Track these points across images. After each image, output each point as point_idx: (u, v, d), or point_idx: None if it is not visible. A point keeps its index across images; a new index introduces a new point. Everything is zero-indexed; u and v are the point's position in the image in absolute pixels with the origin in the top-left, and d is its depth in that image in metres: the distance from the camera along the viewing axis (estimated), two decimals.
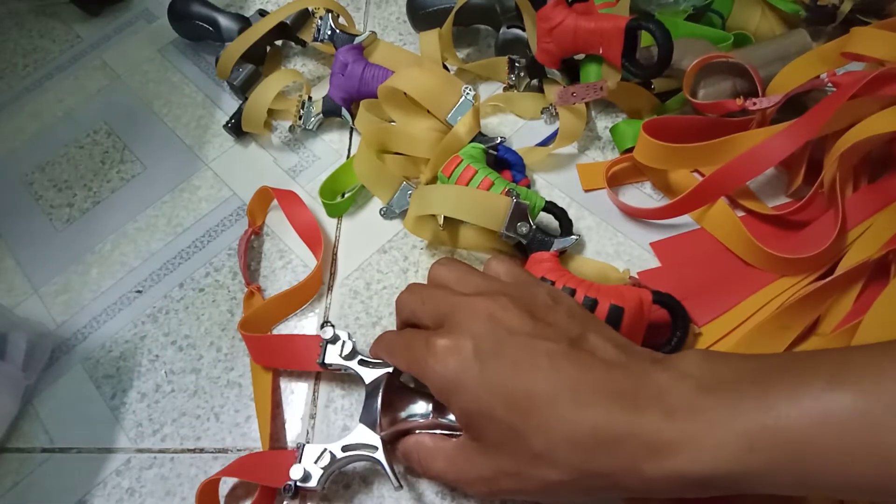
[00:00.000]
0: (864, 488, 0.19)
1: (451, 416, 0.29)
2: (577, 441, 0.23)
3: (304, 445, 0.31)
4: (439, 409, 0.30)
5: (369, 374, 0.32)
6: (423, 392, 0.30)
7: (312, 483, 0.30)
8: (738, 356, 0.23)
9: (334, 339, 0.33)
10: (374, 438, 0.30)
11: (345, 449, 0.30)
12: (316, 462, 0.30)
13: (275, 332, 0.38)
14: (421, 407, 0.30)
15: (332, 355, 0.33)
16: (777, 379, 0.21)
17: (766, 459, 0.20)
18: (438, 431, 0.29)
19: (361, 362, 0.33)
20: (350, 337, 0.34)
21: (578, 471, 0.23)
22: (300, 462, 0.30)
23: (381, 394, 0.30)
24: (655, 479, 0.22)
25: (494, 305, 0.26)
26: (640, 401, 0.23)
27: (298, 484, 0.30)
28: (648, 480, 0.22)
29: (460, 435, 0.28)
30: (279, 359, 0.35)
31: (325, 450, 0.30)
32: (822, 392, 0.20)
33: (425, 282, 0.31)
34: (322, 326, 0.34)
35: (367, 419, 0.30)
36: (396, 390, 0.31)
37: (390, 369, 0.32)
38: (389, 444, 0.31)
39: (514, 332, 0.25)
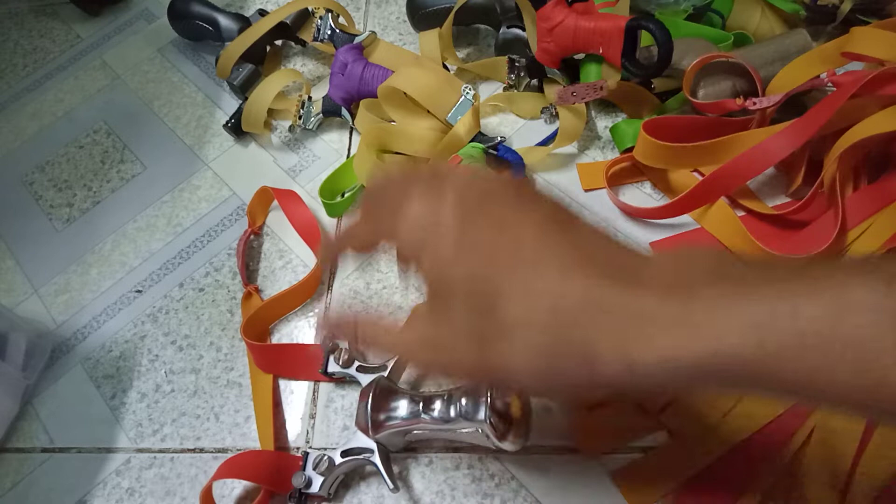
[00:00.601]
0: (879, 396, 0.17)
1: (437, 413, 0.29)
2: (559, 309, 0.20)
3: (307, 454, 0.31)
4: (427, 406, 0.30)
5: (365, 379, 0.32)
6: (409, 393, 0.31)
7: (314, 489, 0.30)
8: (748, 258, 0.21)
9: (334, 349, 0.34)
10: (369, 442, 0.30)
11: (344, 454, 0.30)
12: (315, 468, 0.30)
13: (275, 330, 0.38)
14: (408, 407, 0.30)
15: (334, 365, 0.34)
16: (799, 274, 0.19)
17: (777, 350, 0.18)
18: (434, 427, 0.29)
19: (359, 368, 0.33)
20: (350, 345, 0.34)
21: (553, 347, 0.20)
22: (304, 470, 0.30)
23: (370, 397, 0.30)
24: (641, 362, 0.19)
25: (481, 179, 0.23)
26: (637, 278, 0.20)
27: (303, 491, 0.30)
28: (633, 365, 0.19)
29: (453, 420, 0.28)
30: (282, 368, 0.36)
31: (325, 455, 0.30)
32: (850, 283, 0.17)
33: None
34: (324, 338, 0.35)
35: (361, 423, 0.31)
36: (385, 392, 0.31)
37: (383, 374, 0.32)
38: (385, 446, 0.31)
39: (499, 197, 0.22)
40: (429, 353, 0.22)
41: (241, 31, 0.47)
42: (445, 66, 0.44)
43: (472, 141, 0.39)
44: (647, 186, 0.40)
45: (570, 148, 0.42)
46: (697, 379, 0.19)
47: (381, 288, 0.38)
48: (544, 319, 0.20)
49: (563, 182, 0.41)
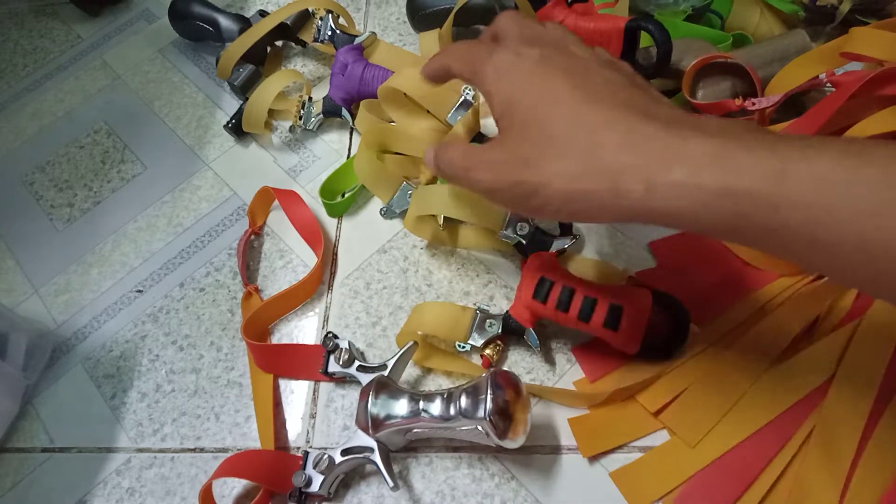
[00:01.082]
0: (882, 259, 0.18)
1: (436, 411, 0.29)
2: (596, 134, 0.22)
3: (307, 453, 0.31)
4: (427, 404, 0.30)
5: (366, 379, 0.32)
6: (409, 391, 0.31)
7: (314, 488, 0.30)
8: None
9: (334, 349, 0.34)
10: (370, 441, 0.30)
11: (344, 453, 0.30)
12: (315, 467, 0.30)
13: (275, 330, 0.38)
14: (407, 405, 0.30)
15: (334, 364, 0.34)
16: (819, 143, 0.20)
17: (794, 193, 0.19)
18: (434, 425, 0.29)
19: (360, 368, 0.33)
20: (350, 345, 0.34)
21: (585, 167, 0.22)
22: (304, 469, 0.31)
23: (370, 396, 0.30)
24: (661, 184, 0.20)
25: (564, 37, 0.26)
26: (677, 121, 0.22)
27: (303, 490, 0.30)
28: (652, 187, 0.20)
29: (453, 418, 0.28)
30: (282, 368, 0.36)
31: (325, 454, 0.31)
32: (874, 149, 0.19)
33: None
34: (324, 339, 0.35)
35: (361, 422, 0.31)
36: (385, 391, 0.31)
37: (383, 373, 0.32)
38: (385, 445, 0.31)
39: (573, 54, 0.25)
40: (486, 173, 0.24)
41: (241, 31, 0.47)
42: None
43: (472, 141, 0.39)
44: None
45: None
46: (708, 214, 0.20)
47: (382, 288, 0.38)
48: (583, 142, 0.22)
49: None
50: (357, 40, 0.44)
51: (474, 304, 0.34)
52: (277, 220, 0.42)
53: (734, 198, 0.20)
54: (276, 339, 0.37)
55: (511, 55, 0.25)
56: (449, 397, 0.29)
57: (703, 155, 0.20)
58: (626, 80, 0.24)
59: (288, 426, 0.34)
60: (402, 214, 0.40)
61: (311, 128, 0.45)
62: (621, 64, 0.26)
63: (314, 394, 0.35)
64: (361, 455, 0.30)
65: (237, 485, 0.33)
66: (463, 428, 0.29)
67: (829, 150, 0.19)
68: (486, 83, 0.25)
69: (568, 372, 0.34)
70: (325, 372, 0.34)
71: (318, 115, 0.44)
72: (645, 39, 0.38)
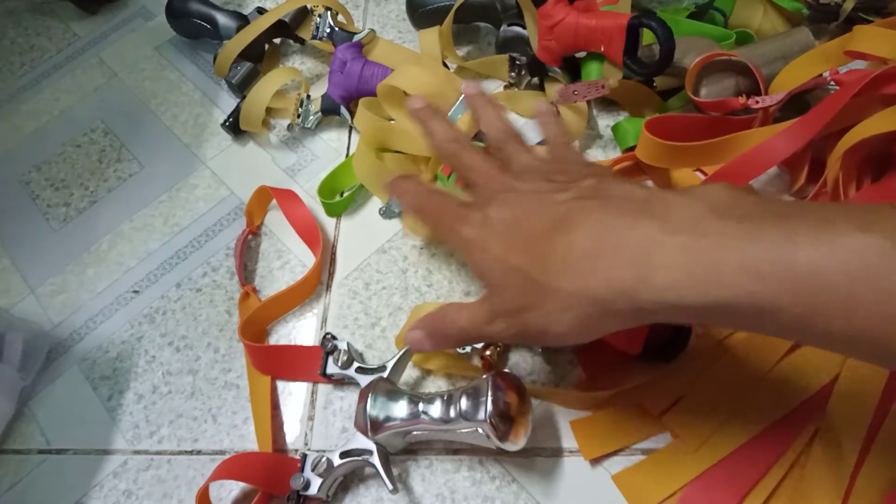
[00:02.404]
0: (869, 340, 0.18)
1: (436, 413, 0.29)
2: (571, 260, 0.22)
3: (305, 455, 0.31)
4: (427, 406, 0.30)
5: (365, 381, 0.32)
6: (409, 393, 0.30)
7: (313, 491, 0.30)
8: (763, 195, 0.22)
9: (332, 350, 0.34)
10: (368, 443, 0.30)
11: (342, 456, 0.30)
12: (314, 470, 0.30)
13: (273, 331, 0.37)
14: (407, 407, 0.30)
15: (333, 366, 0.34)
16: (801, 217, 0.20)
17: (774, 292, 0.19)
18: (433, 428, 0.29)
19: (358, 370, 0.33)
20: (349, 346, 0.34)
21: (574, 292, 0.22)
22: (303, 472, 0.30)
23: (369, 398, 0.30)
24: (651, 295, 0.21)
25: (520, 182, 0.27)
26: (641, 216, 0.22)
27: (301, 493, 0.30)
28: (641, 298, 0.21)
29: (453, 420, 0.28)
30: (281, 369, 0.35)
31: (324, 457, 0.30)
32: (850, 234, 0.18)
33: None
34: (323, 339, 0.34)
35: (360, 424, 0.30)
36: (385, 393, 0.30)
37: (382, 374, 0.32)
38: (384, 447, 0.31)
39: (534, 192, 0.26)
40: (502, 324, 0.25)
41: (239, 29, 0.47)
42: (445, 65, 0.44)
43: (472, 139, 0.39)
44: (649, 185, 0.40)
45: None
46: (700, 315, 0.21)
47: (381, 288, 0.38)
48: (576, 261, 0.22)
49: None
50: (356, 38, 0.44)
51: None
52: (275, 220, 0.42)
53: (714, 306, 0.20)
54: (273, 340, 0.37)
55: (480, 228, 0.25)
56: (449, 399, 0.29)
57: (675, 267, 0.20)
58: (591, 190, 0.25)
59: (286, 428, 0.34)
60: (402, 214, 0.40)
61: (309, 126, 0.44)
62: (578, 170, 0.27)
63: (312, 395, 0.35)
64: (360, 457, 0.30)
65: (235, 487, 0.33)
66: (463, 430, 0.29)
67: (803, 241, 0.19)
68: (468, 255, 0.26)
69: (570, 374, 0.34)
70: (324, 373, 0.34)
71: (317, 113, 0.44)
72: (647, 37, 0.38)
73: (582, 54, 0.40)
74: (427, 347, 0.28)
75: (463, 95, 0.40)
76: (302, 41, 0.49)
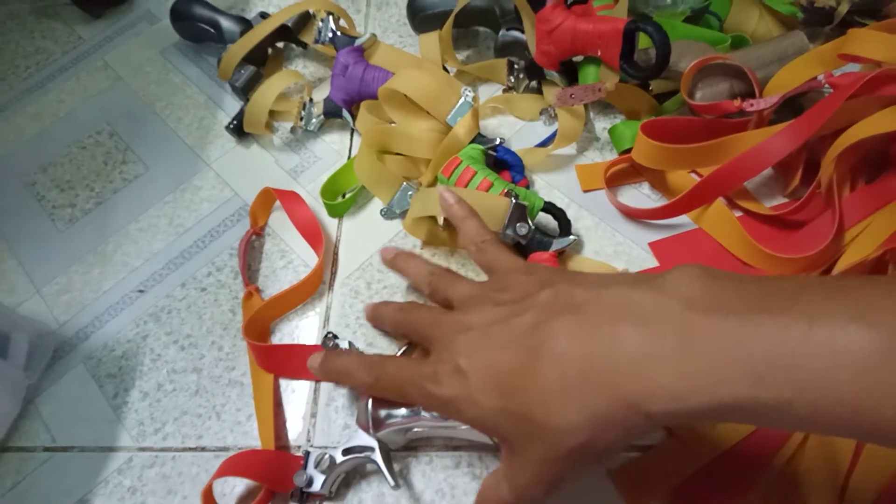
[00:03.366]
0: (876, 433, 0.18)
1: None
2: (568, 395, 0.22)
3: (308, 453, 0.31)
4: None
5: None
6: None
7: (316, 487, 0.30)
8: (736, 276, 0.22)
9: (334, 349, 0.34)
10: (370, 440, 0.30)
11: (345, 453, 0.31)
12: (317, 467, 0.31)
13: (276, 329, 0.38)
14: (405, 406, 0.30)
15: None
16: (787, 308, 0.19)
17: (776, 396, 0.19)
18: (434, 424, 0.30)
19: None
20: (350, 345, 0.34)
21: (582, 425, 0.22)
22: (306, 469, 0.31)
23: (370, 396, 0.30)
24: (657, 413, 0.20)
25: (469, 315, 0.27)
26: (620, 329, 0.21)
27: (304, 489, 0.30)
28: (650, 415, 0.21)
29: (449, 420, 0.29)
30: (284, 368, 0.36)
31: (326, 454, 0.31)
32: (841, 327, 0.18)
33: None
34: (324, 339, 0.35)
35: (362, 421, 0.31)
36: None
37: None
38: (385, 444, 0.31)
39: (489, 325, 0.25)
40: (542, 486, 0.24)
41: (242, 33, 0.47)
42: (445, 69, 0.44)
43: (471, 142, 0.40)
44: (645, 187, 0.41)
45: (569, 149, 0.42)
46: (703, 420, 0.22)
47: (382, 287, 0.38)
48: (563, 402, 0.22)
49: (562, 183, 0.41)
50: (357, 42, 0.44)
51: None
52: (278, 221, 0.42)
53: (715, 410, 0.20)
54: (276, 339, 0.38)
55: (456, 382, 0.25)
56: None
57: (677, 377, 0.20)
58: (552, 305, 0.24)
59: (289, 425, 0.35)
60: (403, 215, 0.41)
61: (311, 129, 0.45)
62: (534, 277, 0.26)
63: (315, 393, 0.35)
64: (362, 454, 0.31)
65: (238, 484, 0.33)
66: (463, 427, 0.29)
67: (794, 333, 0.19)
68: (448, 413, 0.26)
69: None
70: None
71: (319, 116, 0.45)
72: (643, 41, 0.38)
73: (579, 58, 0.41)
74: None
75: (463, 98, 0.40)
76: (304, 45, 0.49)
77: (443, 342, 0.27)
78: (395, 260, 0.36)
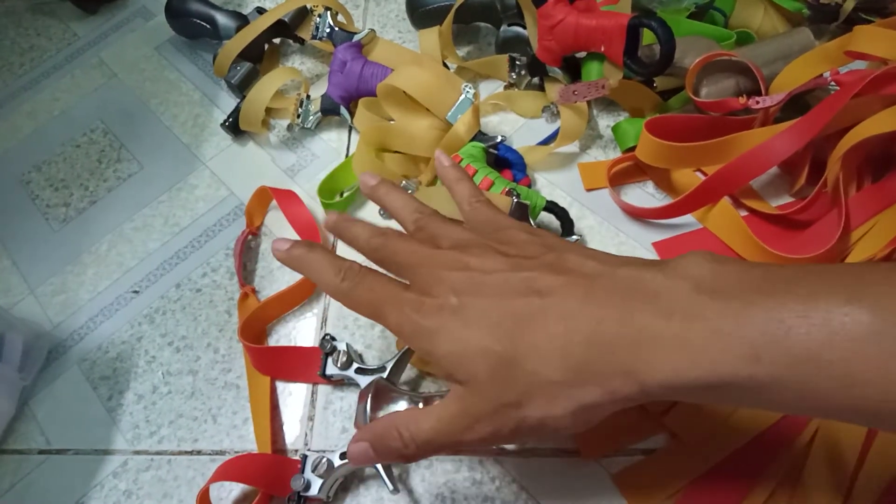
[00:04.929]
0: (867, 411, 0.19)
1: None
2: (569, 352, 0.22)
3: (306, 456, 0.31)
4: (426, 405, 0.30)
5: (364, 381, 0.32)
6: (408, 393, 0.30)
7: (313, 491, 0.30)
8: (743, 262, 0.22)
9: (332, 351, 0.34)
10: None
11: (343, 456, 0.30)
12: (314, 471, 0.30)
13: (273, 331, 0.37)
14: (406, 408, 0.30)
15: (332, 367, 0.33)
16: (788, 290, 0.20)
17: (771, 373, 0.19)
18: None
19: (358, 370, 0.33)
20: (348, 347, 0.34)
21: (575, 383, 0.22)
22: (303, 473, 0.30)
23: (369, 398, 0.30)
24: (653, 384, 0.21)
25: (466, 256, 0.25)
26: (631, 303, 0.22)
27: (301, 494, 0.30)
28: (646, 386, 0.21)
29: None
30: (280, 370, 0.35)
31: (324, 458, 0.30)
32: (837, 308, 0.19)
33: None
34: (322, 340, 0.34)
35: (360, 424, 0.30)
36: (384, 393, 0.31)
37: (382, 375, 0.32)
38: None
39: (490, 272, 0.24)
40: (483, 429, 0.23)
41: (238, 29, 0.47)
42: (445, 65, 0.44)
43: (472, 140, 0.39)
44: (649, 186, 0.40)
45: (572, 147, 0.42)
46: (701, 397, 0.21)
47: None
48: (558, 363, 0.22)
49: (564, 182, 0.41)
50: (356, 38, 0.44)
51: None
52: (275, 220, 0.42)
53: (713, 384, 0.20)
54: (273, 341, 0.37)
55: (443, 315, 0.23)
56: None
57: (673, 348, 0.21)
58: (562, 266, 0.23)
59: (286, 429, 0.34)
60: None
61: (309, 126, 0.44)
62: (527, 240, 0.25)
63: (312, 396, 0.35)
64: None
65: (235, 488, 0.33)
66: None
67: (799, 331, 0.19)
68: (423, 345, 0.24)
69: None
70: (323, 374, 0.34)
71: (317, 113, 0.44)
72: (648, 37, 0.38)
73: (582, 54, 0.40)
74: (375, 461, 0.25)
75: (463, 95, 0.39)
76: (302, 41, 0.49)
77: (432, 276, 0.24)
78: (376, 188, 0.30)
